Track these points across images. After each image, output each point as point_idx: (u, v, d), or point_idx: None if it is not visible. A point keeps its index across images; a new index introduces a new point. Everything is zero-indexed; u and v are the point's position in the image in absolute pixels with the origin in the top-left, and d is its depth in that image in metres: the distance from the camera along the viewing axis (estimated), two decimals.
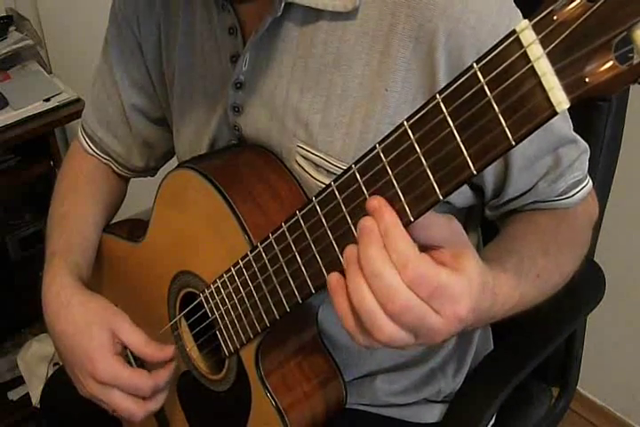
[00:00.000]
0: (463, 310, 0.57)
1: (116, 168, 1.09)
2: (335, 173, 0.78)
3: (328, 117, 0.77)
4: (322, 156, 0.79)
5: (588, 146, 0.81)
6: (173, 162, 1.00)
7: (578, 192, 0.82)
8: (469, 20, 0.68)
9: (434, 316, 0.56)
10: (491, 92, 0.46)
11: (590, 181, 0.84)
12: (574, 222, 0.83)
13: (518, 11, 0.72)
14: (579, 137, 0.80)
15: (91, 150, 1.07)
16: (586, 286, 1.00)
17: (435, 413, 1.01)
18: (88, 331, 0.85)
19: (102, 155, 1.07)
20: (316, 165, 0.80)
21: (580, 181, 0.82)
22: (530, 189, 0.80)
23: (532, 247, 0.76)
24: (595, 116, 0.93)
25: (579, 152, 0.80)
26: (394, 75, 0.73)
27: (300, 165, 0.81)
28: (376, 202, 0.56)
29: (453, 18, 0.69)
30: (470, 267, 0.58)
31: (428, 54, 0.70)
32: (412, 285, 0.55)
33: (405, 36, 0.71)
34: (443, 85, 0.71)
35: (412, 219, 0.55)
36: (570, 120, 0.78)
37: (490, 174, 0.78)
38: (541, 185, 0.79)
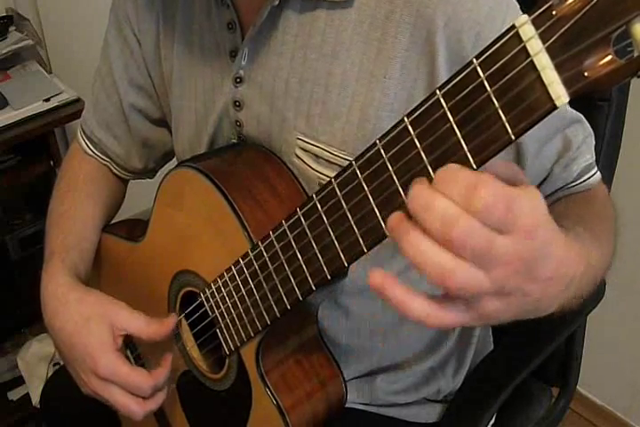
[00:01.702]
0: (534, 221, 0.49)
1: (114, 169, 1.08)
2: (336, 164, 0.78)
3: (328, 107, 0.78)
4: (322, 146, 0.79)
5: (591, 129, 0.81)
6: (172, 164, 1.00)
7: (591, 177, 0.81)
8: (467, 4, 0.69)
9: (499, 238, 0.48)
10: (490, 87, 0.46)
11: (598, 171, 0.83)
12: (596, 199, 0.81)
13: None
14: (583, 117, 0.79)
15: (90, 151, 1.07)
16: None
17: (434, 412, 1.01)
18: (87, 327, 0.85)
19: (101, 156, 1.07)
20: (317, 157, 0.80)
21: (591, 166, 0.81)
22: (546, 177, 0.79)
23: (571, 220, 0.71)
24: (595, 115, 0.93)
25: (585, 134, 0.80)
26: (392, 62, 0.73)
27: (299, 157, 0.81)
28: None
29: (451, 2, 0.69)
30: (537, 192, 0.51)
31: (427, 40, 0.71)
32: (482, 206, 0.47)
33: (403, 23, 0.71)
34: (442, 71, 0.70)
35: None
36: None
37: None
38: (556, 170, 0.79)
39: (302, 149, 0.80)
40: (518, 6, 0.72)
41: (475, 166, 0.49)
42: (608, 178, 1.00)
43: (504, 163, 0.52)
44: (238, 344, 0.82)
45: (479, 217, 0.47)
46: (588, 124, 0.81)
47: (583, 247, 0.61)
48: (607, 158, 0.97)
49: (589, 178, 0.81)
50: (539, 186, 0.80)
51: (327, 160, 0.79)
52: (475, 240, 0.48)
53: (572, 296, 0.61)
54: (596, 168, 0.82)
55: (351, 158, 0.58)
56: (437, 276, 0.50)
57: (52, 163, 1.83)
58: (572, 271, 0.57)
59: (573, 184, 0.80)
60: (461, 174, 0.48)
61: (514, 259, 0.49)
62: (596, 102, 0.93)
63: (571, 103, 0.44)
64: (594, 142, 0.81)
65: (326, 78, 0.77)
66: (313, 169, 0.80)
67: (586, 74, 0.42)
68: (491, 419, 0.99)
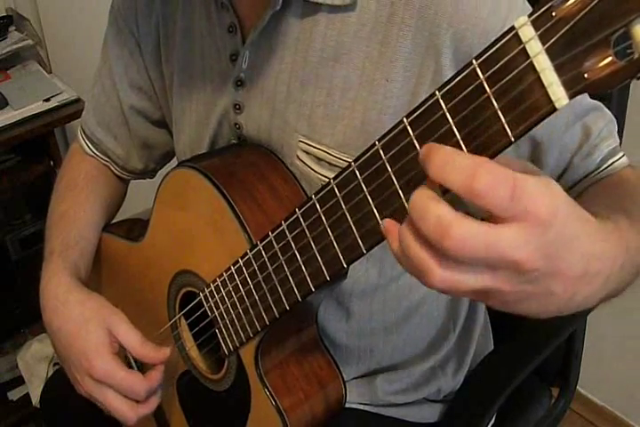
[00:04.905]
0: (542, 208, 0.44)
1: (114, 170, 1.08)
2: (337, 166, 0.78)
3: (330, 110, 0.77)
4: (323, 149, 0.79)
5: (612, 116, 0.77)
6: (172, 164, 1.00)
7: (616, 161, 0.75)
8: (470, 2, 0.68)
9: (504, 230, 0.44)
10: (490, 89, 0.46)
11: (624, 156, 0.76)
12: (627, 180, 0.74)
13: None
14: (602, 105, 0.76)
15: (90, 151, 1.07)
16: None
17: (435, 412, 1.01)
18: (85, 329, 0.85)
19: (101, 156, 1.07)
20: (318, 159, 0.80)
21: (615, 151, 0.75)
22: (566, 168, 0.75)
23: (602, 207, 0.63)
24: None
25: (605, 121, 0.76)
26: (394, 64, 0.72)
27: (301, 159, 0.81)
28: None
29: (452, 0, 0.68)
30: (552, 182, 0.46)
31: (430, 41, 0.70)
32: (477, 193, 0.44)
33: (404, 25, 0.70)
34: (448, 69, 0.69)
35: None
36: None
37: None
38: (576, 160, 0.75)
39: (304, 151, 0.80)
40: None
41: None
42: None
43: (516, 160, 0.49)
44: (237, 345, 0.82)
45: (481, 203, 0.44)
46: (608, 111, 0.76)
47: (621, 236, 0.55)
48: None
49: (614, 162, 0.75)
50: (558, 178, 0.76)
51: (329, 162, 0.79)
52: (470, 246, 0.45)
53: (613, 289, 0.55)
54: (622, 153, 0.76)
55: None
56: (415, 273, 0.48)
57: (51, 163, 1.83)
58: (608, 267, 0.51)
59: (597, 172, 0.75)
60: (458, 159, 0.45)
61: (525, 254, 0.45)
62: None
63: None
64: (616, 128, 0.77)
65: (328, 82, 0.77)
66: (315, 171, 0.80)
67: (586, 75, 0.41)
68: (491, 419, 0.99)
